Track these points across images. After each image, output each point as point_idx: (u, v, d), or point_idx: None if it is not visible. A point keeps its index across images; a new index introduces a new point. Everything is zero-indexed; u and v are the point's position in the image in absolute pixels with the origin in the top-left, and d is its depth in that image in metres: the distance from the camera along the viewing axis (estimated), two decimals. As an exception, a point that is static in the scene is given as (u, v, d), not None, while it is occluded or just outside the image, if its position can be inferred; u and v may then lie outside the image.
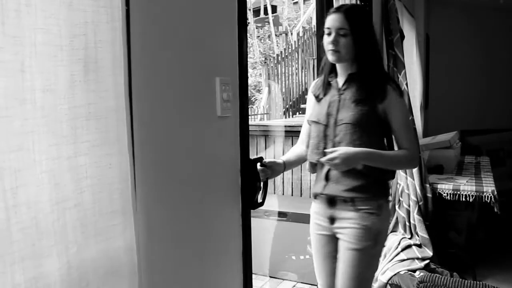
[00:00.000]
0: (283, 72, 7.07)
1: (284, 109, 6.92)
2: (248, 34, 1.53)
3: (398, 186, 2.84)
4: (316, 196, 1.64)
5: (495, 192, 2.65)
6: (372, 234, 1.53)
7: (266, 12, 11.58)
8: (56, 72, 0.70)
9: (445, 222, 2.99)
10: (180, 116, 1.06)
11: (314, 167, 1.66)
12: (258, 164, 1.43)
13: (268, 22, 11.18)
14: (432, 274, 2.05)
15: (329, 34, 1.52)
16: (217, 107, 1.18)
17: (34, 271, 0.67)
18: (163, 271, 1.01)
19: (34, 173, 0.67)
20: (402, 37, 2.83)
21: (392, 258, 2.63)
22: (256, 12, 11.98)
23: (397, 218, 2.84)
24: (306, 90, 6.74)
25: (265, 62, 8.55)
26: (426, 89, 4.70)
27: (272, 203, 3.24)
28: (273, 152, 3.94)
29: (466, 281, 1.90)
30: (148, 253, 0.93)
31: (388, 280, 2.45)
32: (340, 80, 1.59)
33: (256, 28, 11.35)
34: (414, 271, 2.53)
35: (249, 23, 10.22)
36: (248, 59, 1.41)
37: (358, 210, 1.52)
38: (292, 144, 3.59)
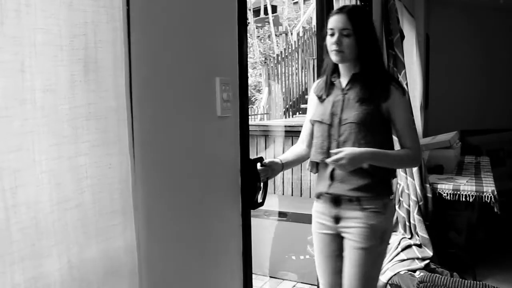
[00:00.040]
0: (283, 72, 7.07)
1: (284, 109, 6.92)
2: (248, 34, 1.53)
3: (398, 186, 2.84)
4: (319, 195, 1.64)
5: (495, 192, 2.65)
6: (378, 232, 1.54)
7: (266, 12, 11.58)
8: (57, 72, 0.70)
9: (445, 222, 2.99)
10: (180, 116, 1.06)
11: (316, 166, 1.66)
12: (258, 164, 1.43)
13: (268, 22, 11.18)
14: (432, 274, 2.05)
15: (332, 34, 1.53)
16: (217, 107, 1.18)
17: (33, 271, 0.67)
18: (163, 271, 1.01)
19: (34, 173, 0.67)
20: (402, 37, 2.83)
21: (392, 258, 2.63)
22: (256, 12, 11.98)
23: (397, 218, 2.84)
24: (306, 90, 6.75)
25: (265, 62, 8.55)
26: (426, 89, 4.70)
27: (272, 203, 3.24)
28: (273, 152, 3.94)
29: (466, 281, 1.90)
30: (148, 253, 0.93)
31: (388, 280, 2.45)
32: (343, 80, 1.60)
33: (256, 28, 11.35)
34: (414, 271, 2.53)
35: (249, 23, 10.22)
36: (248, 59, 1.41)
37: (364, 210, 1.53)
38: (292, 144, 3.58)
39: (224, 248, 1.26)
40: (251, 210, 1.37)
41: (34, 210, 0.67)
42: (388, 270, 2.51)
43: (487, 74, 5.14)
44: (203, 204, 1.16)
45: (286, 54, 7.17)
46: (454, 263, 2.76)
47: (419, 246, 2.73)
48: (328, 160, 1.46)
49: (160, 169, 0.99)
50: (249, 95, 1.39)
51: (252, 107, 7.82)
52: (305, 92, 6.83)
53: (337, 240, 1.63)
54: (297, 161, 1.73)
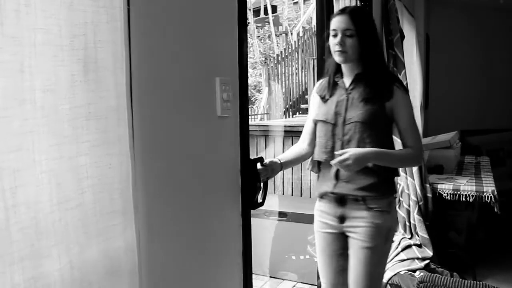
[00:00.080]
0: (283, 72, 7.07)
1: (284, 109, 6.92)
2: (248, 34, 1.53)
3: (398, 186, 2.84)
4: (323, 195, 1.65)
5: (495, 192, 2.65)
6: (384, 231, 1.56)
7: (266, 12, 11.58)
8: (57, 72, 0.70)
9: (445, 222, 2.99)
10: (180, 116, 1.06)
11: (319, 166, 1.67)
12: (258, 164, 1.43)
13: (268, 22, 11.18)
14: (432, 274, 2.05)
15: (335, 35, 1.55)
16: (217, 107, 1.18)
17: (33, 271, 0.67)
18: (163, 271, 1.01)
19: (34, 173, 0.67)
20: (402, 37, 2.83)
21: (392, 258, 2.63)
22: (256, 12, 11.97)
23: (397, 218, 2.84)
24: (306, 90, 6.74)
25: (265, 62, 8.56)
26: (426, 89, 4.70)
27: (272, 203, 3.24)
28: (273, 152, 3.94)
29: (466, 281, 1.90)
30: (148, 253, 0.93)
31: (388, 280, 2.45)
32: (347, 80, 1.62)
33: (256, 28, 11.35)
34: (414, 271, 2.53)
35: (249, 23, 10.22)
36: (248, 59, 1.41)
37: (370, 209, 1.54)
38: (292, 144, 3.58)
39: (224, 248, 1.26)
40: (251, 210, 1.37)
41: (34, 210, 0.67)
42: (388, 270, 2.51)
43: (487, 74, 5.14)
44: (203, 204, 1.16)
45: (286, 54, 7.17)
46: (454, 263, 2.77)
47: (419, 246, 2.73)
48: (333, 162, 1.47)
49: (160, 169, 0.99)
50: (249, 95, 1.39)
51: (252, 107, 7.82)
52: (305, 92, 6.83)
53: (341, 239, 1.64)
54: (297, 160, 1.73)
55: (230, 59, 1.25)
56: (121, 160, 0.82)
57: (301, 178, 3.77)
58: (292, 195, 3.81)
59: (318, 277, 2.39)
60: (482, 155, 4.15)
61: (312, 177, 3.67)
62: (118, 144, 0.81)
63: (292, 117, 6.75)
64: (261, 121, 6.66)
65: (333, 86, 1.63)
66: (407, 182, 2.78)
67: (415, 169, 2.76)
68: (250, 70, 8.77)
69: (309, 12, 9.49)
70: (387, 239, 1.59)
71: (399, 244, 2.73)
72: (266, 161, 1.53)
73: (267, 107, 7.07)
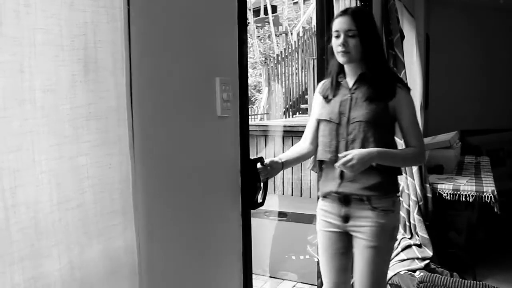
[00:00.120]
0: (283, 72, 7.07)
1: (284, 109, 6.92)
2: (248, 34, 1.53)
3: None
4: (327, 194, 1.65)
5: (495, 192, 2.65)
6: (388, 230, 1.58)
7: (266, 12, 11.58)
8: (58, 72, 0.70)
9: (445, 222, 2.99)
10: (180, 116, 1.06)
11: (321, 165, 1.68)
12: (258, 164, 1.43)
13: (268, 22, 11.18)
14: (432, 274, 2.05)
15: (337, 36, 1.57)
16: (217, 107, 1.18)
17: (33, 271, 0.67)
18: (163, 271, 1.01)
19: (34, 173, 0.67)
20: (402, 37, 2.82)
21: (392, 258, 2.63)
22: (256, 12, 11.98)
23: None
24: (306, 90, 6.74)
25: (265, 62, 8.56)
26: (426, 89, 4.70)
27: (272, 203, 3.24)
28: (273, 152, 3.94)
29: (466, 281, 1.90)
30: (148, 253, 0.93)
31: (388, 280, 2.45)
32: (350, 80, 1.63)
33: (256, 28, 11.35)
34: (414, 271, 2.53)
35: (249, 23, 10.22)
36: (248, 59, 1.41)
37: (374, 209, 1.56)
38: (292, 144, 3.58)
39: (224, 248, 1.26)
40: (251, 210, 1.37)
41: (33, 210, 0.67)
42: (388, 270, 2.51)
43: (487, 74, 5.14)
44: (203, 204, 1.16)
45: (286, 54, 7.17)
46: (454, 263, 2.76)
47: (419, 246, 2.73)
48: (337, 164, 1.48)
49: (160, 169, 0.99)
50: (249, 95, 1.39)
51: (252, 107, 7.82)
52: (305, 92, 6.83)
53: (344, 238, 1.65)
54: (299, 159, 1.74)
55: (230, 59, 1.25)
56: (121, 160, 0.82)
57: (301, 178, 3.77)
58: (292, 195, 3.81)
59: (318, 277, 2.39)
60: (482, 155, 4.15)
61: (312, 177, 3.67)
62: (118, 144, 0.81)
63: (292, 117, 6.75)
64: (261, 121, 6.66)
65: (336, 86, 1.65)
66: (407, 182, 2.78)
67: (415, 169, 2.76)
68: (250, 70, 8.77)
69: (309, 12, 9.49)
70: (391, 237, 1.61)
71: (399, 244, 2.73)
72: (267, 161, 1.54)
73: (267, 107, 7.08)
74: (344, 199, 1.60)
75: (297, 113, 6.84)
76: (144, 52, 0.93)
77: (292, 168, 3.79)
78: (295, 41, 7.69)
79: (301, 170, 3.74)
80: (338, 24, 1.56)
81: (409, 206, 2.80)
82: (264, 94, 7.15)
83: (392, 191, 1.61)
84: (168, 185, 1.02)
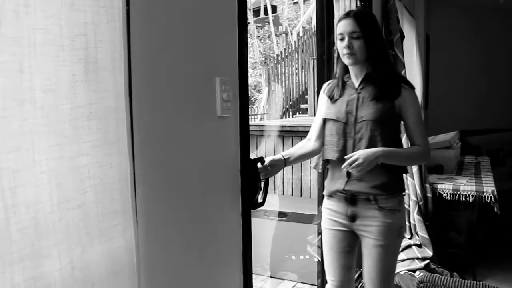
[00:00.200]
0: (283, 72, 7.07)
1: (284, 109, 6.92)
2: (248, 34, 1.53)
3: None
4: (333, 193, 1.66)
5: (495, 192, 2.65)
6: (396, 229, 1.60)
7: (266, 12, 11.58)
8: (58, 72, 0.70)
9: (445, 222, 2.99)
10: (180, 116, 1.06)
11: (327, 164, 1.69)
12: (259, 163, 1.43)
13: (268, 22, 11.18)
14: (432, 274, 2.05)
15: (342, 39, 1.58)
16: (217, 107, 1.18)
17: (33, 271, 0.67)
18: (163, 271, 1.01)
19: (33, 173, 0.67)
20: (402, 37, 2.83)
21: (392, 258, 2.63)
22: (256, 12, 11.98)
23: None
24: (306, 90, 6.74)
25: (265, 62, 8.56)
26: (426, 89, 4.70)
27: (272, 203, 3.25)
28: (273, 152, 3.94)
29: (466, 281, 1.90)
30: (147, 253, 0.93)
31: (388, 280, 2.44)
32: (356, 80, 1.65)
33: (256, 28, 11.35)
34: (414, 271, 2.53)
35: (249, 23, 10.22)
36: (248, 59, 1.41)
37: (381, 209, 1.57)
38: (292, 144, 3.58)
39: (224, 248, 1.26)
40: (251, 210, 1.37)
41: (33, 210, 0.67)
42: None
43: (487, 74, 5.14)
44: (203, 204, 1.16)
45: (286, 54, 7.17)
46: (454, 263, 2.77)
47: (419, 246, 2.73)
48: (343, 166, 1.50)
49: (160, 169, 0.99)
50: (249, 95, 1.39)
51: (252, 107, 7.82)
52: (305, 92, 6.83)
53: (350, 237, 1.67)
54: (302, 157, 1.74)
55: (230, 59, 1.25)
56: (120, 160, 0.82)
57: (301, 178, 3.77)
58: (292, 195, 3.81)
59: (318, 277, 2.39)
60: (482, 155, 4.16)
61: (312, 177, 3.67)
62: (117, 144, 0.81)
63: (292, 117, 6.75)
64: (261, 121, 6.65)
65: (342, 87, 1.66)
66: (407, 182, 2.78)
67: (415, 169, 2.76)
68: (250, 70, 8.77)
69: (309, 12, 9.50)
70: (399, 235, 1.64)
71: (399, 244, 2.72)
72: (267, 161, 1.54)
73: (267, 107, 7.08)
74: (351, 199, 1.62)
75: (297, 113, 6.84)
76: (144, 52, 0.93)
77: (292, 168, 3.79)
78: (295, 41, 7.68)
79: (301, 170, 3.74)
80: (342, 26, 1.57)
81: (409, 206, 2.80)
82: (264, 94, 7.15)
83: (398, 191, 1.63)
84: (168, 185, 1.02)
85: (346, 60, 1.59)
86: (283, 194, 3.85)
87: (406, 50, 2.96)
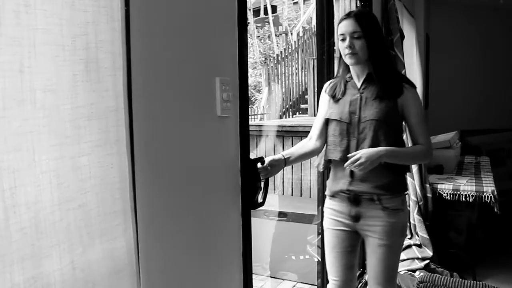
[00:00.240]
0: (283, 72, 7.07)
1: (284, 109, 6.92)
2: (248, 34, 1.54)
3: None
4: (336, 193, 1.67)
5: (495, 192, 2.65)
6: (399, 228, 1.62)
7: (266, 12, 11.58)
8: (58, 72, 0.70)
9: (445, 222, 2.99)
10: (180, 116, 1.06)
11: (328, 164, 1.70)
12: (259, 163, 1.43)
13: (268, 22, 11.18)
14: (432, 274, 2.05)
15: (343, 39, 1.59)
16: (217, 107, 1.18)
17: (33, 271, 0.67)
18: (162, 271, 1.01)
19: (34, 173, 0.67)
20: (402, 37, 2.83)
21: (392, 258, 2.63)
22: (256, 12, 11.98)
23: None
24: (306, 90, 6.75)
25: (265, 62, 8.56)
26: (426, 89, 4.70)
27: (272, 203, 3.25)
28: (273, 152, 3.94)
29: (466, 281, 1.90)
30: (147, 253, 0.93)
31: (388, 280, 2.44)
32: (358, 80, 1.65)
33: (256, 28, 11.35)
34: (414, 271, 2.53)
35: (249, 23, 10.22)
36: (248, 59, 1.41)
37: (385, 209, 1.58)
38: (292, 144, 3.58)
39: (224, 248, 1.26)
40: (251, 210, 1.37)
41: (33, 210, 0.67)
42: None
43: (487, 74, 5.14)
44: (203, 204, 1.16)
45: (286, 54, 7.17)
46: (454, 263, 2.77)
47: (419, 246, 2.73)
48: (346, 164, 1.50)
49: (160, 169, 0.99)
50: (249, 95, 1.39)
51: (252, 107, 7.82)
52: (305, 92, 6.83)
53: (353, 237, 1.68)
54: (303, 156, 1.74)
55: (230, 59, 1.25)
56: (120, 160, 0.82)
57: (301, 178, 3.77)
58: (292, 195, 3.81)
59: (318, 277, 2.39)
60: (482, 155, 4.16)
61: (312, 177, 3.67)
62: (116, 144, 0.81)
63: (292, 117, 6.75)
64: (261, 121, 6.66)
65: (345, 87, 1.67)
66: (407, 182, 2.77)
67: (415, 169, 2.76)
68: (250, 70, 8.77)
69: (309, 12, 9.50)
70: (402, 234, 1.66)
71: (399, 244, 2.72)
72: (267, 161, 1.54)
73: (267, 107, 7.08)
74: (354, 199, 1.62)
75: (297, 113, 6.84)
76: (144, 52, 0.93)
77: (292, 168, 3.79)
78: (295, 41, 7.69)
79: (301, 170, 3.74)
80: (343, 27, 1.58)
81: (409, 206, 2.80)
82: (264, 94, 7.15)
83: (401, 190, 1.64)
84: (168, 185, 1.02)
85: (348, 60, 1.60)
86: (283, 194, 3.85)
87: (406, 50, 2.96)
